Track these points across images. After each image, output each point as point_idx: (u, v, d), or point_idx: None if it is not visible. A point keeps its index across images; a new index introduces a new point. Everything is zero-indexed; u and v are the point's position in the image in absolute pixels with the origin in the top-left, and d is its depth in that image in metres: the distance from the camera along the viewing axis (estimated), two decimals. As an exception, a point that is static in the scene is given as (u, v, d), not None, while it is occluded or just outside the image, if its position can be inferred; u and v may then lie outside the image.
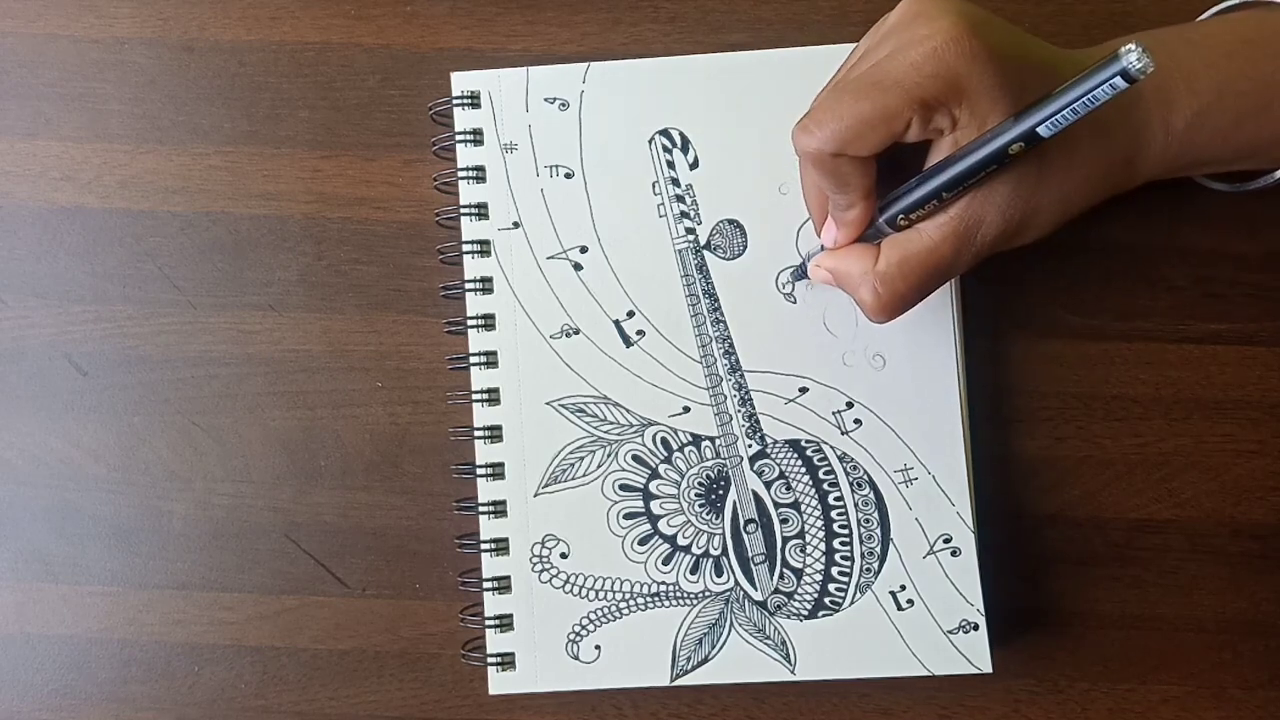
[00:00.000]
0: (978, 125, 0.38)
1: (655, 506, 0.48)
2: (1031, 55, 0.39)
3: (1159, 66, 0.39)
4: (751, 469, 0.48)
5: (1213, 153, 0.42)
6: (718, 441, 0.48)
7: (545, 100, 0.49)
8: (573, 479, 0.48)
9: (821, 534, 0.47)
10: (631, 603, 0.48)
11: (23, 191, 0.51)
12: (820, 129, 0.38)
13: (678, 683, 0.47)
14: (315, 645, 0.50)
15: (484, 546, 0.48)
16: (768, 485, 0.48)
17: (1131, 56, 0.33)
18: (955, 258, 0.40)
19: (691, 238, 0.48)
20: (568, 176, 0.48)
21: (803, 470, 0.48)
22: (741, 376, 0.48)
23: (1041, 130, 0.36)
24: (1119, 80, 0.33)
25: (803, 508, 0.48)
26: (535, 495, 0.48)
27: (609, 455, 0.48)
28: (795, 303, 0.48)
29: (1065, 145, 0.38)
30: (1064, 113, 0.35)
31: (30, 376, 0.51)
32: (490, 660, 0.48)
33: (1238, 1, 0.46)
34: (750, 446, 0.48)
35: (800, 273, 0.47)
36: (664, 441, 0.48)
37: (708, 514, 0.48)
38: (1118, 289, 0.49)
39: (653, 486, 0.48)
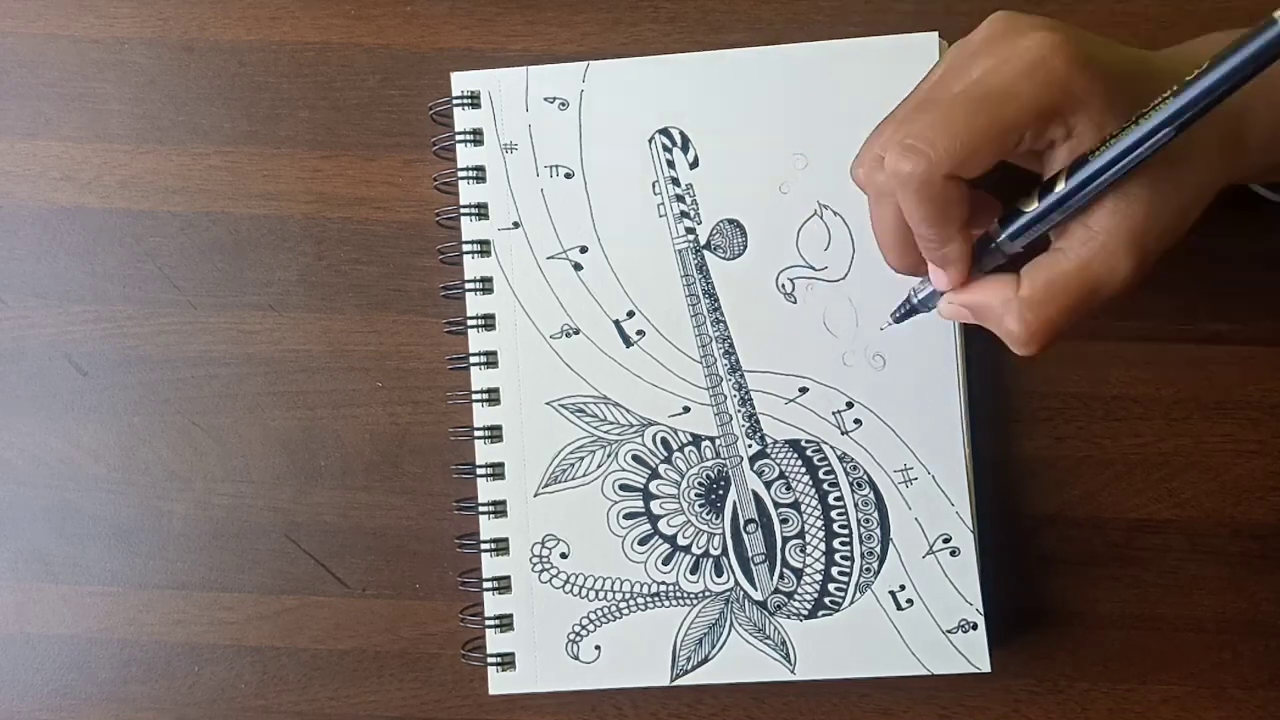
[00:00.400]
0: (1094, 131, 0.36)
1: (655, 506, 0.48)
2: (1125, 57, 0.38)
3: None
4: (751, 469, 0.48)
5: None
6: (718, 441, 0.48)
7: (545, 100, 0.49)
8: (573, 479, 0.48)
9: (821, 534, 0.47)
10: (631, 603, 0.48)
11: (23, 191, 0.51)
12: (932, 148, 0.35)
13: (678, 683, 0.47)
14: (315, 645, 0.50)
15: (484, 546, 0.48)
16: (768, 485, 0.48)
17: None
18: (1110, 274, 0.37)
19: (691, 237, 0.48)
20: (568, 176, 0.48)
21: (803, 470, 0.48)
22: (741, 376, 0.48)
23: (1190, 110, 0.34)
24: (1274, 45, 0.31)
25: (803, 508, 0.48)
26: (535, 495, 0.48)
27: (609, 455, 0.48)
28: (795, 302, 0.48)
29: (1185, 136, 0.36)
30: (1215, 88, 0.33)
31: (30, 376, 0.51)
32: (490, 660, 0.48)
33: None
34: (750, 446, 0.48)
35: (903, 312, 0.44)
36: (664, 441, 0.48)
37: (708, 514, 0.48)
38: (1118, 289, 0.49)
39: (653, 486, 0.48)
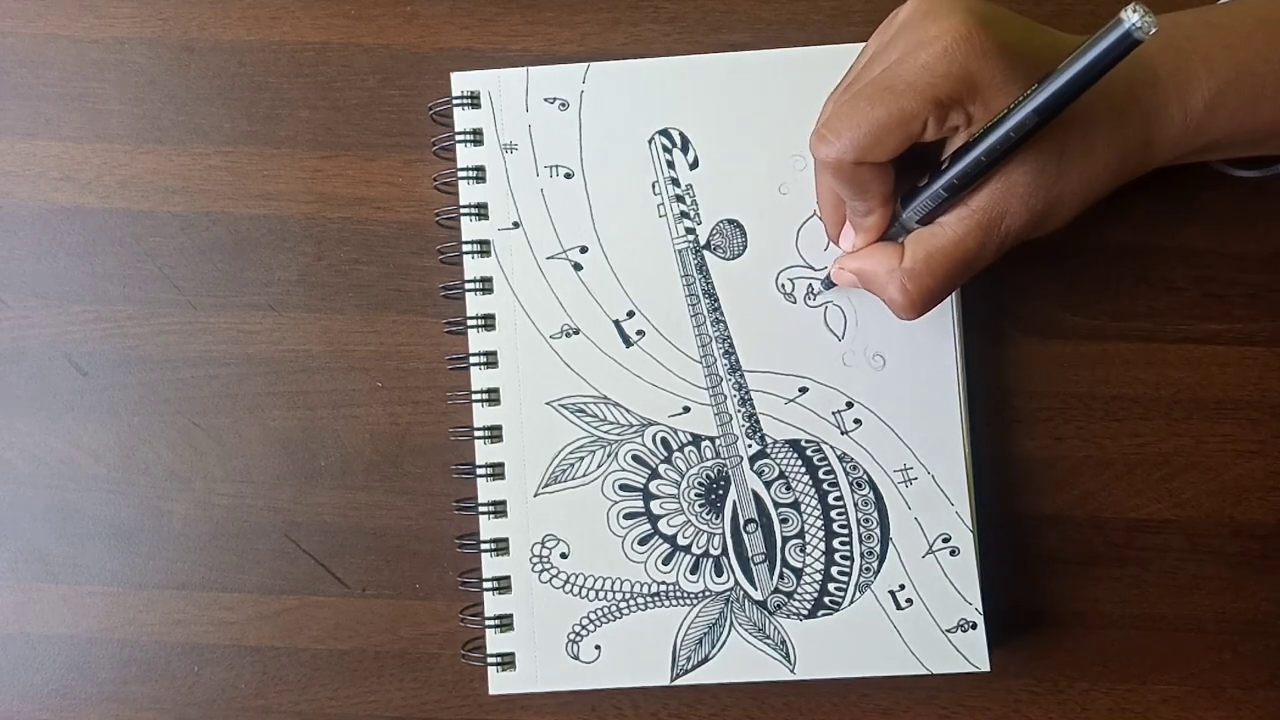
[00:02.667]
0: (992, 119, 0.38)
1: (655, 506, 0.48)
2: (1041, 44, 0.39)
3: (1177, 49, 0.39)
4: (751, 469, 0.48)
5: (1231, 134, 0.42)
6: (718, 441, 0.48)
7: (545, 100, 0.49)
8: (573, 479, 0.48)
9: (821, 534, 0.47)
10: (631, 603, 0.48)
11: (23, 191, 0.51)
12: (838, 137, 0.38)
13: (678, 682, 0.47)
14: (315, 645, 0.50)
15: (484, 546, 0.48)
16: (768, 485, 0.48)
17: (1134, 16, 0.32)
18: (980, 249, 0.40)
19: (691, 238, 0.48)
20: (568, 176, 0.48)
21: (802, 470, 0.48)
22: (741, 376, 0.48)
23: (1051, 103, 0.35)
24: (1123, 43, 0.33)
25: (802, 507, 0.48)
26: (535, 495, 0.48)
27: (609, 455, 0.48)
28: (795, 302, 0.48)
29: (1083, 131, 0.38)
30: (1073, 83, 0.35)
31: (30, 376, 0.51)
32: (490, 660, 0.48)
33: None
34: (750, 446, 0.48)
35: (828, 282, 0.47)
36: (664, 441, 0.48)
37: (708, 514, 0.48)
38: (1118, 289, 0.49)
39: (653, 486, 0.48)
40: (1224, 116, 0.41)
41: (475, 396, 0.48)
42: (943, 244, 0.40)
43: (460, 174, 0.49)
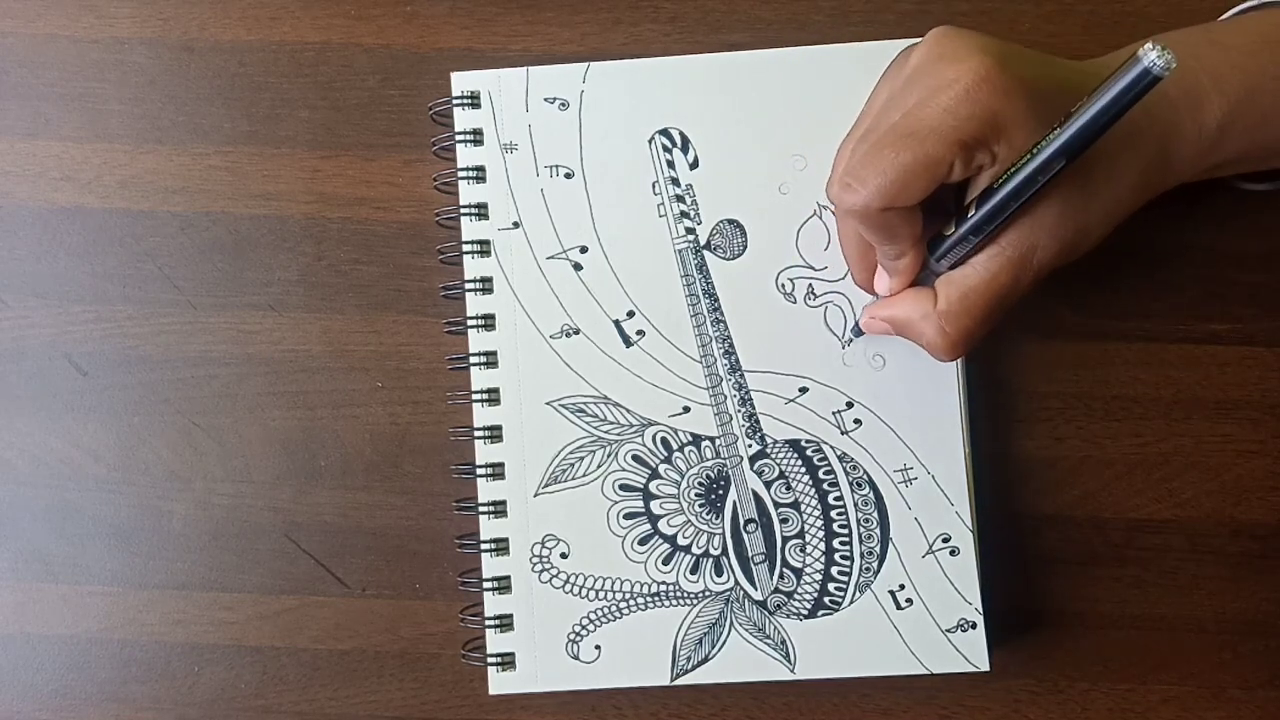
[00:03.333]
0: (1016, 156, 0.38)
1: (655, 506, 0.48)
2: (1059, 78, 0.39)
3: (1186, 69, 0.39)
4: (751, 469, 0.48)
5: (1244, 151, 0.42)
6: (718, 441, 0.48)
7: (545, 100, 0.49)
8: (573, 479, 0.48)
9: (821, 534, 0.47)
10: (631, 603, 0.48)
11: (23, 191, 0.51)
12: (864, 185, 0.38)
13: (678, 682, 0.47)
14: (315, 645, 0.50)
15: (484, 546, 0.48)
16: (768, 485, 0.48)
17: (1152, 55, 0.32)
18: (1014, 285, 0.40)
19: (691, 238, 0.48)
20: (568, 176, 0.48)
21: (802, 470, 0.48)
22: (741, 376, 0.48)
23: (1072, 141, 0.36)
24: (1140, 79, 0.33)
25: (802, 507, 0.48)
26: (535, 495, 0.48)
27: (609, 455, 0.48)
28: (795, 302, 0.48)
29: (1105, 159, 0.39)
30: (1094, 123, 0.35)
31: (30, 376, 0.51)
32: (490, 660, 0.48)
33: (1258, 2, 0.46)
34: (750, 446, 0.48)
35: (857, 330, 0.47)
36: (664, 441, 0.48)
37: (708, 514, 0.48)
38: (1118, 289, 0.49)
39: (653, 486, 0.48)
40: (1236, 134, 0.41)
41: (475, 396, 0.48)
42: (976, 283, 0.40)
43: (460, 174, 0.49)
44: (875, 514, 0.47)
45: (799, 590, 0.47)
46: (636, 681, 0.48)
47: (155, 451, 0.50)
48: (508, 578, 0.48)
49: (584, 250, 0.48)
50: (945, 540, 0.47)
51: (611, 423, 0.48)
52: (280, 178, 0.51)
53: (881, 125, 0.40)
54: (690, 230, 0.48)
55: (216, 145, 0.51)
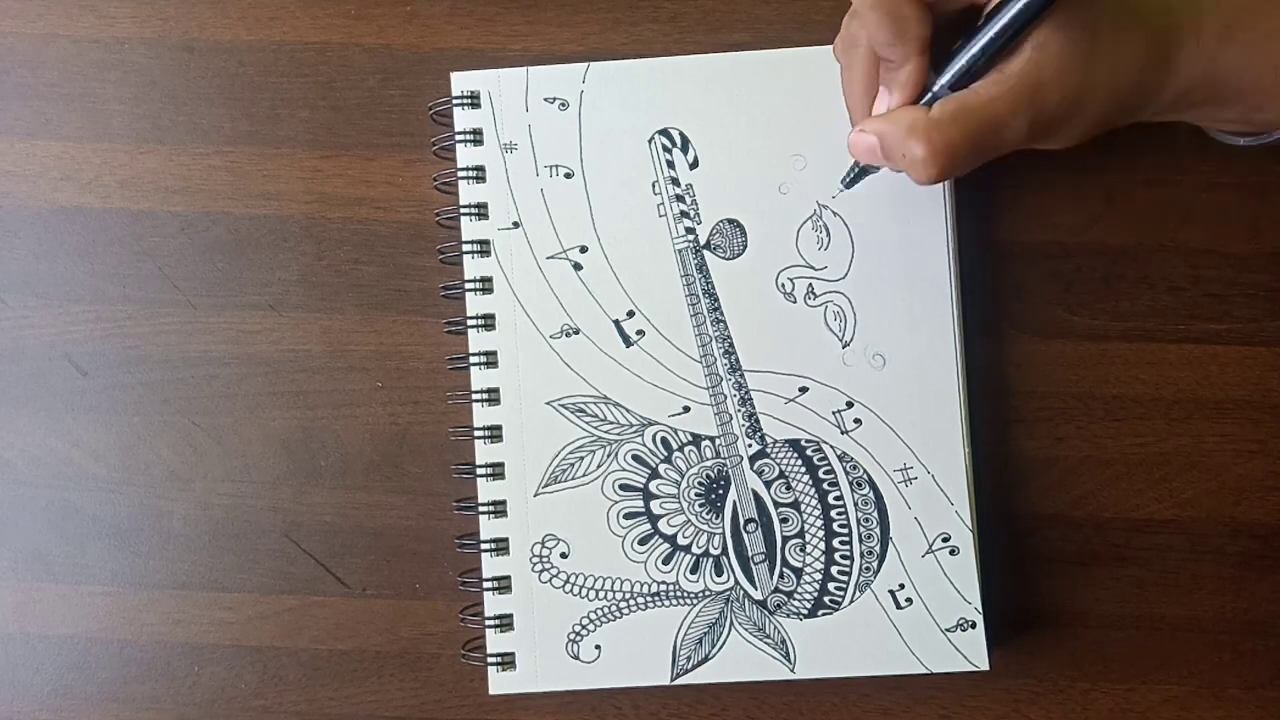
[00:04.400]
0: None
1: (655, 506, 0.48)
2: None
3: None
4: (751, 468, 0.48)
5: (1240, 71, 0.41)
6: (718, 441, 0.48)
7: (545, 100, 0.49)
8: (573, 479, 0.48)
9: (821, 533, 0.47)
10: (631, 602, 0.48)
11: (23, 191, 0.51)
12: None
13: (678, 682, 0.47)
14: (315, 645, 0.50)
15: (484, 546, 0.48)
16: (768, 485, 0.48)
17: None
18: (1011, 117, 0.40)
19: (691, 237, 0.48)
20: (568, 176, 0.48)
21: (802, 470, 0.48)
22: (741, 376, 0.48)
23: None
24: None
25: (802, 507, 0.48)
26: (535, 495, 0.48)
27: (609, 455, 0.48)
28: (795, 302, 0.48)
29: (1113, 24, 0.39)
30: None
31: (30, 376, 0.51)
32: (490, 660, 0.48)
33: None
34: (750, 446, 0.48)
35: (850, 180, 0.46)
36: (664, 441, 0.48)
37: (708, 513, 0.48)
38: (1118, 289, 0.49)
39: (653, 486, 0.48)
40: (1233, 51, 0.41)
41: (475, 396, 0.48)
42: (974, 101, 0.40)
43: (460, 174, 0.49)
44: (875, 514, 0.47)
45: (799, 590, 0.47)
46: (636, 681, 0.48)
47: (155, 451, 0.50)
48: (508, 578, 0.48)
49: (584, 250, 0.48)
50: (945, 540, 0.47)
51: (611, 422, 0.48)
52: (280, 178, 0.51)
53: None
54: (690, 230, 0.48)
55: (216, 145, 0.51)
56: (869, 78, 0.43)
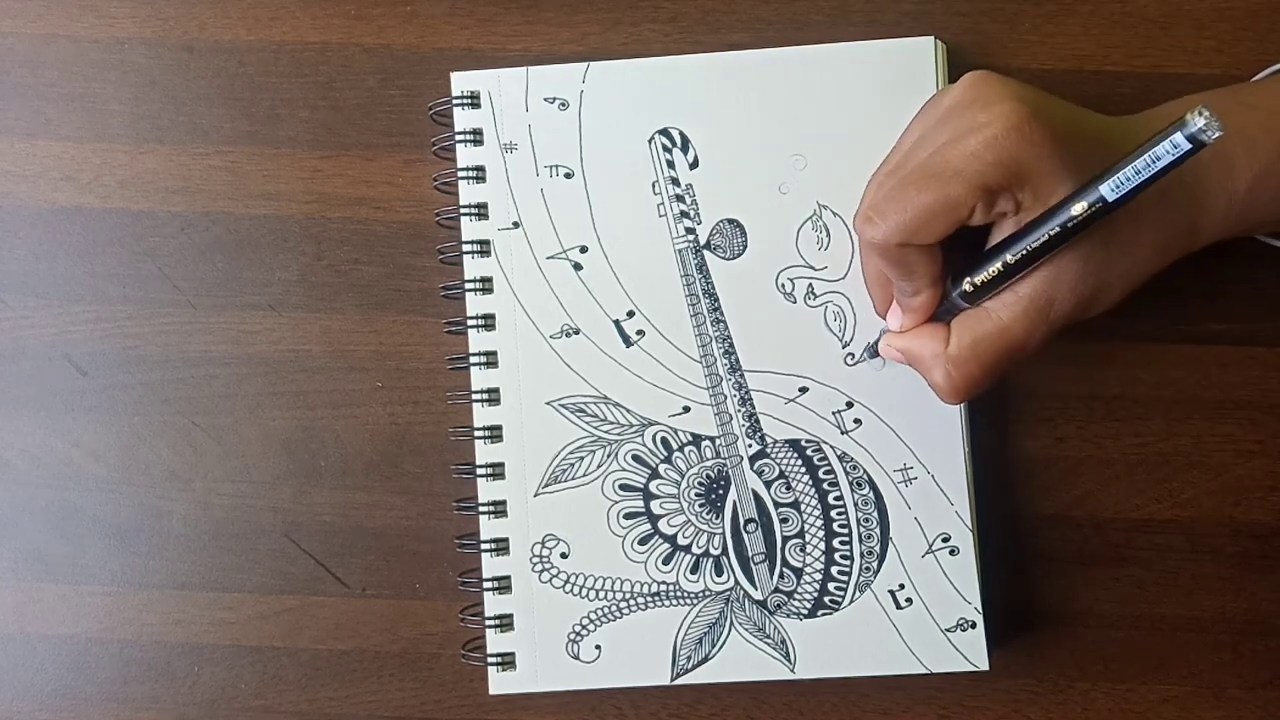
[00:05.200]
0: (1041, 206, 0.38)
1: (655, 506, 0.48)
2: (1089, 130, 0.39)
3: None
4: (751, 469, 0.48)
5: (1274, 213, 0.42)
6: (718, 441, 0.48)
7: (545, 100, 0.49)
8: (573, 479, 0.48)
9: (821, 533, 0.48)
10: (631, 602, 0.48)
11: (23, 191, 0.51)
12: (884, 220, 0.39)
13: (678, 682, 0.47)
14: (315, 645, 0.50)
15: (484, 546, 0.48)
16: (768, 485, 0.48)
17: (1200, 120, 0.32)
18: (1027, 337, 0.40)
19: (691, 237, 0.48)
20: (568, 176, 0.48)
21: (802, 470, 0.48)
22: (741, 376, 0.48)
23: (1108, 196, 0.36)
24: (1186, 144, 0.33)
25: (802, 507, 0.48)
26: (535, 495, 0.48)
27: (609, 455, 0.48)
28: (795, 302, 0.48)
29: (1131, 217, 0.38)
30: (1131, 179, 0.35)
31: (30, 376, 0.51)
32: (490, 660, 0.48)
33: None
34: (750, 446, 0.48)
35: (874, 350, 0.47)
36: (664, 441, 0.48)
37: (708, 514, 0.48)
38: (1117, 289, 0.49)
39: (653, 486, 0.48)
40: (1267, 196, 0.41)
41: (475, 396, 0.48)
42: (989, 330, 0.40)
43: (460, 174, 0.49)
44: (875, 514, 0.47)
45: (799, 590, 0.47)
46: (636, 681, 0.48)
47: (155, 451, 0.50)
48: (508, 578, 0.48)
49: (584, 250, 0.48)
50: (945, 540, 0.47)
51: (611, 423, 0.48)
52: (280, 178, 0.51)
53: (909, 163, 0.40)
54: (690, 230, 0.48)
55: (216, 145, 0.51)
56: (885, 277, 0.43)
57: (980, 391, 0.41)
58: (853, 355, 0.47)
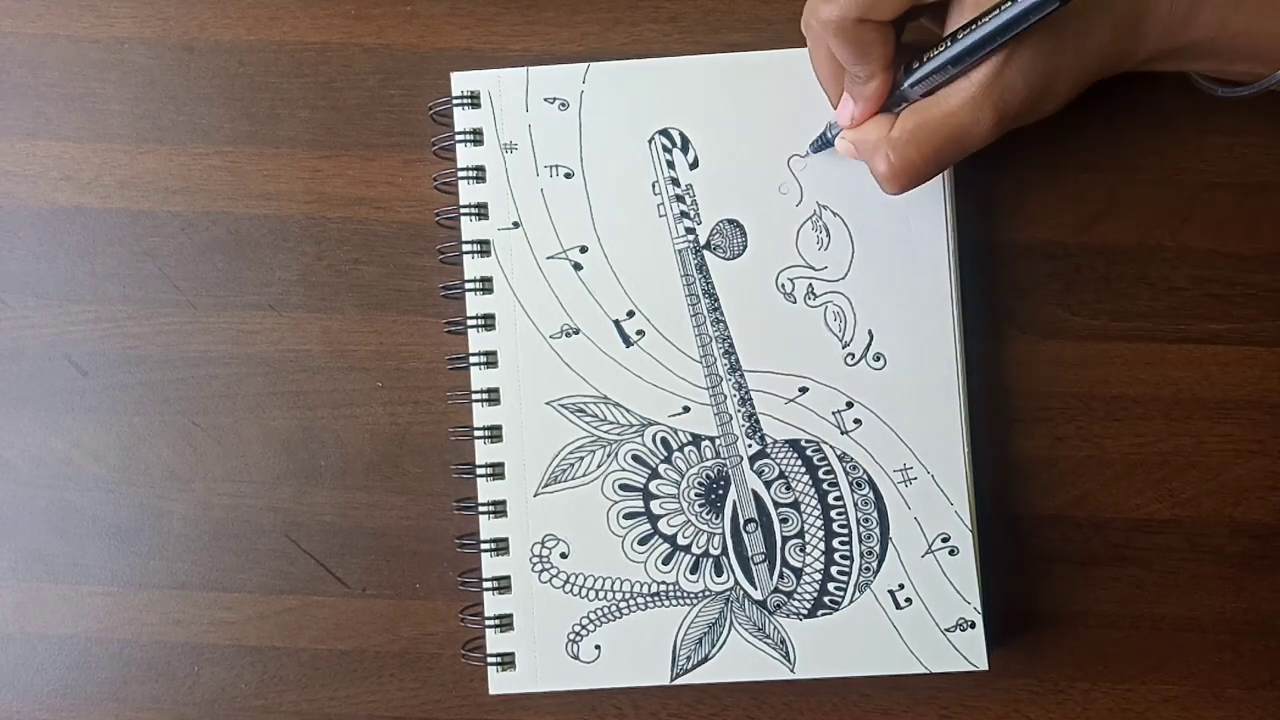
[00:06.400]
0: None
1: (655, 506, 0.48)
2: None
3: None
4: (751, 469, 0.48)
5: (1214, 35, 0.41)
6: (718, 441, 0.48)
7: (545, 100, 0.49)
8: (573, 479, 0.48)
9: (821, 533, 0.47)
10: (631, 602, 0.48)
11: (23, 191, 0.51)
12: None
13: (678, 682, 0.47)
14: (315, 645, 0.50)
15: (484, 546, 0.48)
16: (767, 485, 0.48)
17: None
18: (974, 124, 0.40)
19: (691, 238, 0.48)
20: (568, 176, 0.48)
21: (802, 470, 0.48)
22: (741, 376, 0.48)
23: None
24: None
25: (802, 507, 0.48)
26: (535, 495, 0.48)
27: (609, 455, 0.48)
28: (795, 302, 0.48)
29: (1080, 11, 0.38)
30: None
31: (30, 376, 0.51)
32: (490, 660, 0.48)
33: None
34: (750, 446, 0.48)
35: (820, 143, 0.46)
36: (664, 441, 0.48)
37: (708, 514, 0.48)
38: (1118, 289, 0.49)
39: (653, 486, 0.48)
40: (1207, 11, 0.40)
41: (475, 396, 0.48)
42: (934, 115, 0.40)
43: (460, 174, 0.49)
44: (875, 514, 0.47)
45: (799, 590, 0.47)
46: (636, 681, 0.48)
47: (155, 451, 0.50)
48: (508, 578, 0.48)
49: (584, 250, 0.48)
50: (945, 540, 0.47)
51: (611, 423, 0.48)
52: (280, 178, 0.51)
53: None
54: (690, 230, 0.48)
55: (216, 145, 0.51)
56: (834, 63, 0.42)
57: (920, 181, 0.41)
58: (853, 356, 0.47)
